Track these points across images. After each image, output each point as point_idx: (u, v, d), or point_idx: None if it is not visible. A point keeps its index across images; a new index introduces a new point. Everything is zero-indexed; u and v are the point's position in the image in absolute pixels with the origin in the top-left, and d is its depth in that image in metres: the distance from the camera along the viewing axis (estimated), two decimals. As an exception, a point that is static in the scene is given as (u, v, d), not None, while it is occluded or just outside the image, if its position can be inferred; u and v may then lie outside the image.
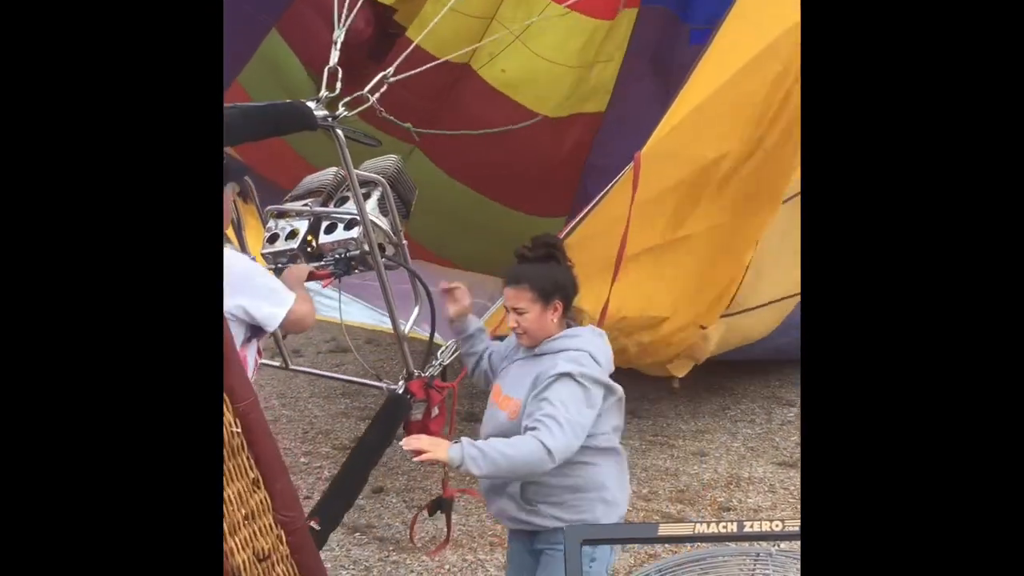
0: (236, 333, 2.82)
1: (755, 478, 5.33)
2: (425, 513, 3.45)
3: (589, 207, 4.04)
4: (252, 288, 2.93)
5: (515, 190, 6.23)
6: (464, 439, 2.66)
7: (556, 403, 2.66)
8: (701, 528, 2.16)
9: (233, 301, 2.90)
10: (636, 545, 4.31)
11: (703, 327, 5.33)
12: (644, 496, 5.15)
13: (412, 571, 4.34)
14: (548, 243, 2.90)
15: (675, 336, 5.22)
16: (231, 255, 3.09)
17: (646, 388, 7.33)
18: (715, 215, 4.74)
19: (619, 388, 2.84)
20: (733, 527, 2.19)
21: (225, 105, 3.05)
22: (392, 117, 3.44)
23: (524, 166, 5.96)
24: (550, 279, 2.83)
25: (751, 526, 2.18)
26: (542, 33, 5.52)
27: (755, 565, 2.20)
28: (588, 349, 2.78)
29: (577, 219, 4.02)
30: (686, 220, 4.68)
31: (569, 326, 2.90)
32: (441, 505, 3.39)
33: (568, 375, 2.70)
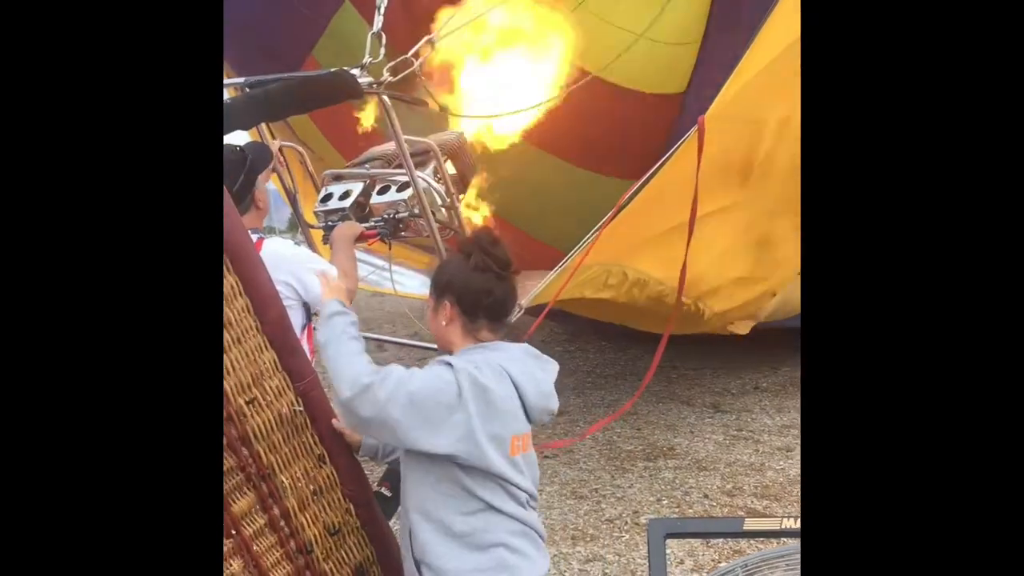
0: (295, 319, 2.89)
1: (842, 475, 5.24)
2: None
3: (651, 172, 4.01)
4: (303, 269, 3.06)
5: (602, 159, 6.25)
6: (337, 306, 2.29)
7: (412, 371, 2.17)
8: (788, 523, 2.13)
9: (288, 283, 3.03)
10: (720, 540, 4.28)
11: (774, 294, 5.31)
12: (728, 491, 5.12)
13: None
14: (472, 238, 2.39)
15: (750, 297, 5.22)
16: (277, 242, 3.19)
17: (730, 383, 7.28)
18: (780, 176, 4.68)
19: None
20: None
21: (265, 77, 3.13)
22: (430, 90, 3.38)
23: (614, 139, 5.98)
24: (444, 273, 2.30)
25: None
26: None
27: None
28: (503, 364, 2.20)
29: (639, 184, 3.99)
30: (750, 181, 4.66)
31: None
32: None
33: (448, 364, 2.17)
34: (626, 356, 8.42)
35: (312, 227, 3.67)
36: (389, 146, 3.58)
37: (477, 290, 2.24)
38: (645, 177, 3.96)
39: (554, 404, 2.27)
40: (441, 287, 2.28)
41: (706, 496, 5.10)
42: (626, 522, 4.79)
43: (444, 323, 2.27)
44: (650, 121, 6.07)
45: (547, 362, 2.30)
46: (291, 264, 3.07)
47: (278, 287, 3.07)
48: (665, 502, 5.06)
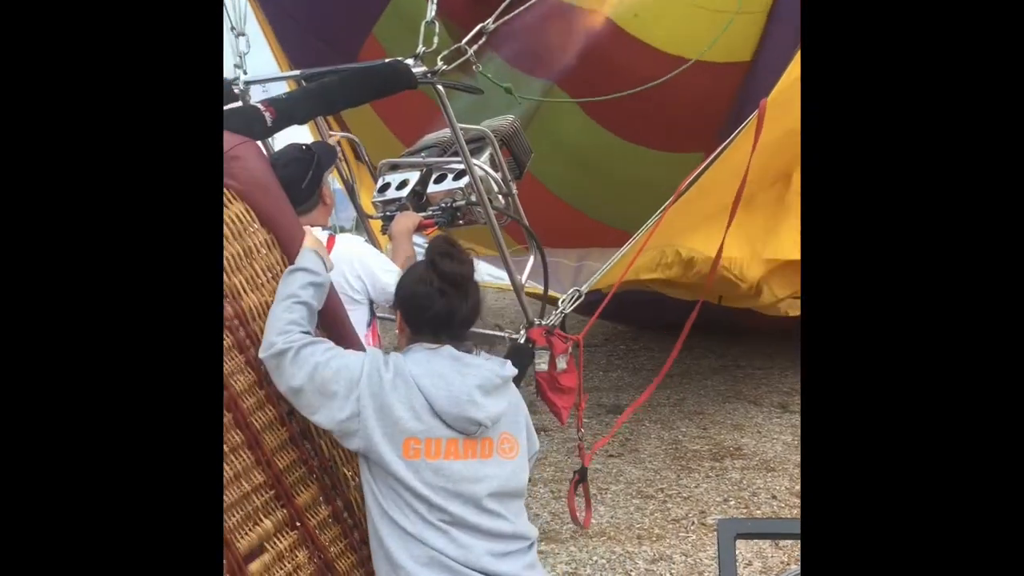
0: (360, 316, 2.89)
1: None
2: (576, 488, 3.43)
3: (713, 155, 3.94)
4: (373, 267, 3.10)
5: (656, 132, 6.18)
6: (307, 261, 2.24)
7: (329, 347, 2.16)
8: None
9: (358, 278, 3.05)
10: (790, 542, 4.19)
11: None
12: (797, 493, 5.01)
13: (561, 561, 4.34)
14: (427, 249, 2.33)
15: (794, 276, 5.18)
16: (348, 239, 3.22)
17: (798, 383, 7.13)
18: None
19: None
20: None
21: (321, 69, 3.13)
22: (489, 75, 3.34)
23: (668, 110, 5.91)
24: (400, 282, 2.32)
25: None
26: None
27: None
28: (408, 365, 2.14)
29: (701, 167, 3.93)
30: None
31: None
32: (583, 475, 3.36)
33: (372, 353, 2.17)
34: (691, 355, 8.31)
35: (371, 217, 3.67)
36: (443, 132, 3.57)
37: (417, 304, 2.20)
38: (707, 161, 3.90)
39: (475, 412, 2.10)
40: (396, 295, 2.29)
41: (774, 497, 5.00)
42: (692, 522, 4.72)
43: (397, 331, 2.29)
44: (715, 92, 5.99)
45: (470, 366, 2.15)
46: (362, 260, 3.09)
47: (350, 281, 3.08)
48: (732, 502, 4.97)
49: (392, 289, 2.52)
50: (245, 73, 3.66)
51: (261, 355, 2.14)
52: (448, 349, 2.17)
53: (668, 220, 3.71)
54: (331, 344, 2.18)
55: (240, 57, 3.71)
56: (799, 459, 5.53)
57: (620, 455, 5.76)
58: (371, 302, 3.15)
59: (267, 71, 5.31)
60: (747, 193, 3.90)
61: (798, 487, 5.05)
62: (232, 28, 3.82)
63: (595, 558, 4.35)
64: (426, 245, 2.66)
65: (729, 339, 8.56)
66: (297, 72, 3.61)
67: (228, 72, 3.70)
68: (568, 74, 5.62)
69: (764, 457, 5.62)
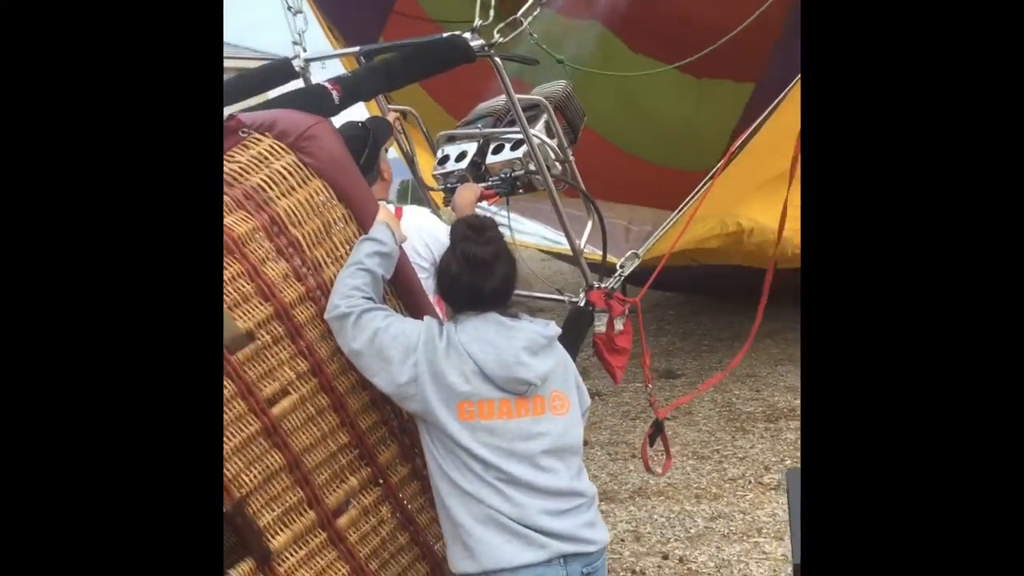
0: (428, 286, 3.03)
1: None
2: (649, 441, 3.50)
3: (760, 119, 3.98)
4: (438, 236, 3.15)
5: (704, 61, 6.31)
6: (378, 232, 2.39)
7: (390, 314, 2.30)
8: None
9: (427, 246, 3.16)
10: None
11: None
12: (853, 451, 5.08)
13: (621, 520, 4.46)
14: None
15: None
16: (414, 211, 3.33)
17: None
18: None
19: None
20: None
21: (380, 45, 3.19)
22: (544, 46, 3.40)
23: (715, 37, 5.98)
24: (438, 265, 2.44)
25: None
26: None
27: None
28: (458, 334, 2.27)
29: (747, 132, 3.97)
30: None
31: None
32: (659, 428, 3.45)
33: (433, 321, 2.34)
34: (740, 319, 8.35)
35: (432, 189, 3.77)
36: (497, 101, 3.64)
37: (446, 284, 2.34)
38: (754, 126, 3.94)
39: (523, 372, 2.22)
40: (435, 276, 2.42)
41: (830, 455, 5.07)
42: (749, 481, 4.81)
43: (436, 305, 2.43)
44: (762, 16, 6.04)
45: (515, 329, 2.27)
46: (430, 230, 3.18)
47: (419, 250, 3.17)
48: (789, 462, 5.04)
49: None
50: (305, 51, 3.75)
51: (326, 316, 2.29)
52: (494, 316, 2.27)
53: (721, 188, 3.75)
54: (390, 311, 2.31)
55: (299, 35, 3.80)
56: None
57: (675, 418, 5.85)
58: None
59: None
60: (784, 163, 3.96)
61: (853, 446, 5.11)
62: (289, 7, 3.91)
63: (655, 516, 4.47)
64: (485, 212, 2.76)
65: (780, 303, 8.58)
66: (356, 48, 3.71)
67: (287, 51, 3.80)
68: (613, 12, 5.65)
69: (818, 417, 5.68)
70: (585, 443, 5.26)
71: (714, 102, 7.02)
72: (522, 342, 2.24)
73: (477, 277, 2.28)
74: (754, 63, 6.29)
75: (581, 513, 2.26)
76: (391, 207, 3.17)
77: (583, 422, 2.42)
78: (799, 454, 5.08)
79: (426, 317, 2.34)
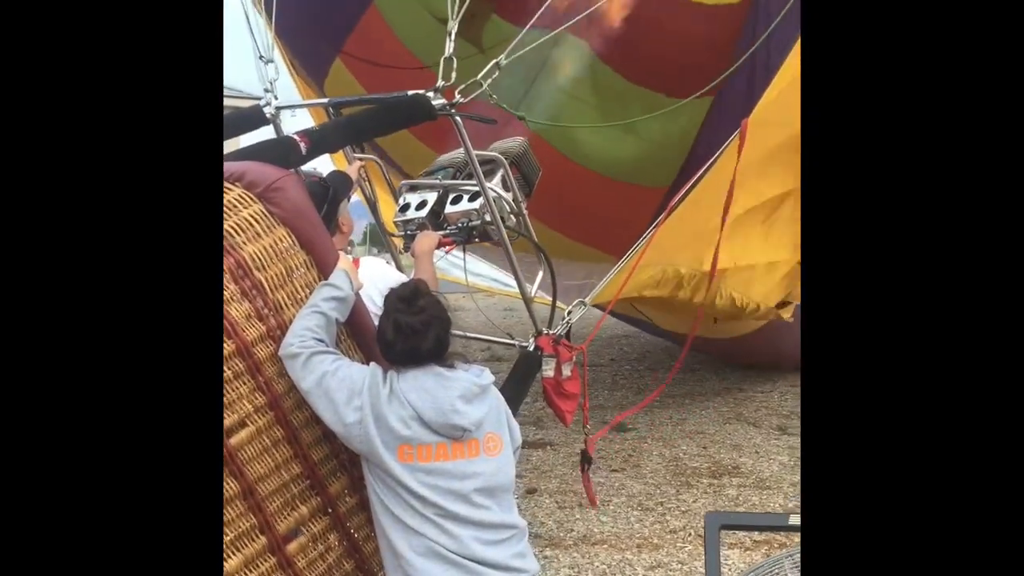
0: None
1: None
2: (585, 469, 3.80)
3: (698, 175, 4.25)
4: (392, 284, 3.32)
5: (660, 74, 6.60)
6: (336, 278, 2.59)
7: (340, 358, 2.48)
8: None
9: (379, 297, 3.31)
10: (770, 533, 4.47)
11: None
12: (791, 510, 5.25)
13: (564, 565, 4.61)
14: (389, 298, 2.60)
15: (783, 282, 5.50)
16: (371, 261, 3.50)
17: (798, 406, 7.39)
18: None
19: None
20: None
21: (348, 99, 3.40)
22: (504, 105, 3.64)
23: (674, 53, 6.32)
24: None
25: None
26: None
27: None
28: (400, 383, 2.45)
29: (686, 187, 4.21)
30: (786, 179, 4.93)
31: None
32: (586, 459, 3.75)
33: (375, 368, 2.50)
34: (695, 377, 8.58)
35: (393, 235, 3.94)
36: (457, 153, 3.85)
37: (383, 346, 2.51)
38: (696, 176, 4.23)
39: (458, 419, 2.40)
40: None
41: (768, 513, 5.24)
42: (690, 533, 4.97)
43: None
44: (713, 35, 6.40)
45: (451, 380, 2.45)
46: (384, 279, 3.33)
47: (374, 298, 3.31)
48: (728, 516, 5.21)
49: None
50: (276, 99, 3.94)
51: (280, 353, 2.47)
52: (432, 366, 2.46)
53: (664, 238, 3.99)
54: (339, 355, 2.49)
55: (270, 84, 3.99)
56: (795, 478, 5.78)
57: (623, 470, 6.03)
58: None
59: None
60: (737, 212, 4.22)
61: (792, 504, 5.29)
62: (260, 56, 4.10)
63: (596, 563, 4.62)
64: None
65: (733, 365, 8.83)
66: (325, 100, 3.91)
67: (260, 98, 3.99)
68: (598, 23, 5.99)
69: (760, 476, 5.87)
70: (534, 491, 5.45)
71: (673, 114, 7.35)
72: (457, 391, 2.43)
73: (410, 342, 2.47)
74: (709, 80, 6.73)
75: (513, 544, 2.44)
76: (350, 257, 3.36)
77: (515, 459, 2.61)
78: (739, 509, 5.27)
79: (372, 364, 2.52)
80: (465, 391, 2.45)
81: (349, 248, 3.96)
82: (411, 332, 2.47)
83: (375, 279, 3.38)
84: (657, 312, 6.35)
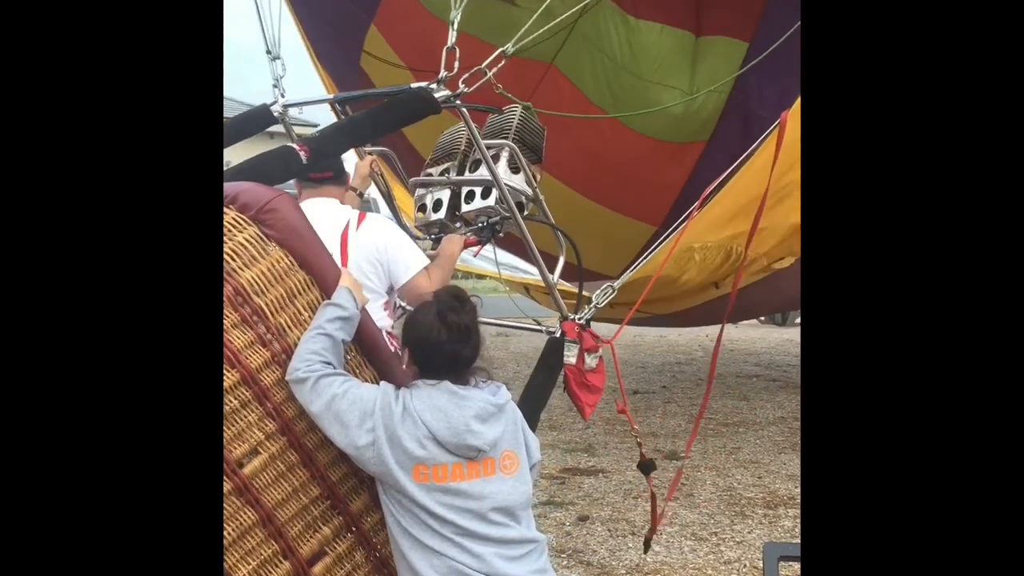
0: (376, 308, 3.01)
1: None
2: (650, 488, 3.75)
3: (738, 161, 4.14)
4: (395, 260, 3.22)
5: (620, 198, 6.90)
6: (340, 297, 2.50)
7: (349, 380, 2.40)
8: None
9: (371, 268, 3.18)
10: None
11: None
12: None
13: (617, 594, 4.45)
14: (434, 298, 2.56)
15: (783, 244, 5.42)
16: (377, 220, 3.34)
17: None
18: None
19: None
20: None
21: (352, 94, 3.42)
22: (509, 94, 3.54)
23: (633, 183, 6.55)
24: (408, 325, 2.55)
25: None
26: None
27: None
28: (413, 402, 2.38)
29: (725, 173, 4.11)
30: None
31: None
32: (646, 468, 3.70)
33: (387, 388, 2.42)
34: (750, 405, 8.38)
35: (419, 239, 3.78)
36: (456, 132, 3.74)
37: (427, 350, 2.44)
38: (732, 167, 4.13)
39: (473, 440, 2.33)
40: (405, 337, 2.53)
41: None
42: (744, 564, 4.79)
43: (404, 366, 2.55)
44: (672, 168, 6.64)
45: (466, 399, 2.38)
46: (387, 250, 3.21)
47: (364, 269, 3.14)
48: (786, 546, 5.02)
49: (414, 292, 2.94)
50: (283, 96, 3.87)
51: (287, 378, 2.40)
52: (446, 384, 2.39)
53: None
54: (348, 376, 2.41)
55: (277, 80, 3.93)
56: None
57: (676, 499, 5.85)
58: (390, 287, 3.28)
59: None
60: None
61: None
62: (268, 52, 4.05)
63: (650, 590, 4.45)
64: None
65: (788, 392, 8.60)
66: (330, 96, 3.84)
67: (269, 96, 3.92)
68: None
69: (818, 505, 5.66)
70: (586, 518, 5.29)
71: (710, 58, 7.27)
72: (472, 411, 2.36)
73: (457, 346, 2.41)
74: (749, 20, 6.70)
75: (534, 559, 2.38)
76: (355, 213, 3.23)
77: (533, 475, 2.54)
78: (795, 541, 5.07)
79: (382, 383, 2.45)
80: (480, 411, 2.37)
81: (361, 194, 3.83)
82: (463, 332, 2.41)
83: (377, 245, 3.20)
84: (660, 304, 6.37)
